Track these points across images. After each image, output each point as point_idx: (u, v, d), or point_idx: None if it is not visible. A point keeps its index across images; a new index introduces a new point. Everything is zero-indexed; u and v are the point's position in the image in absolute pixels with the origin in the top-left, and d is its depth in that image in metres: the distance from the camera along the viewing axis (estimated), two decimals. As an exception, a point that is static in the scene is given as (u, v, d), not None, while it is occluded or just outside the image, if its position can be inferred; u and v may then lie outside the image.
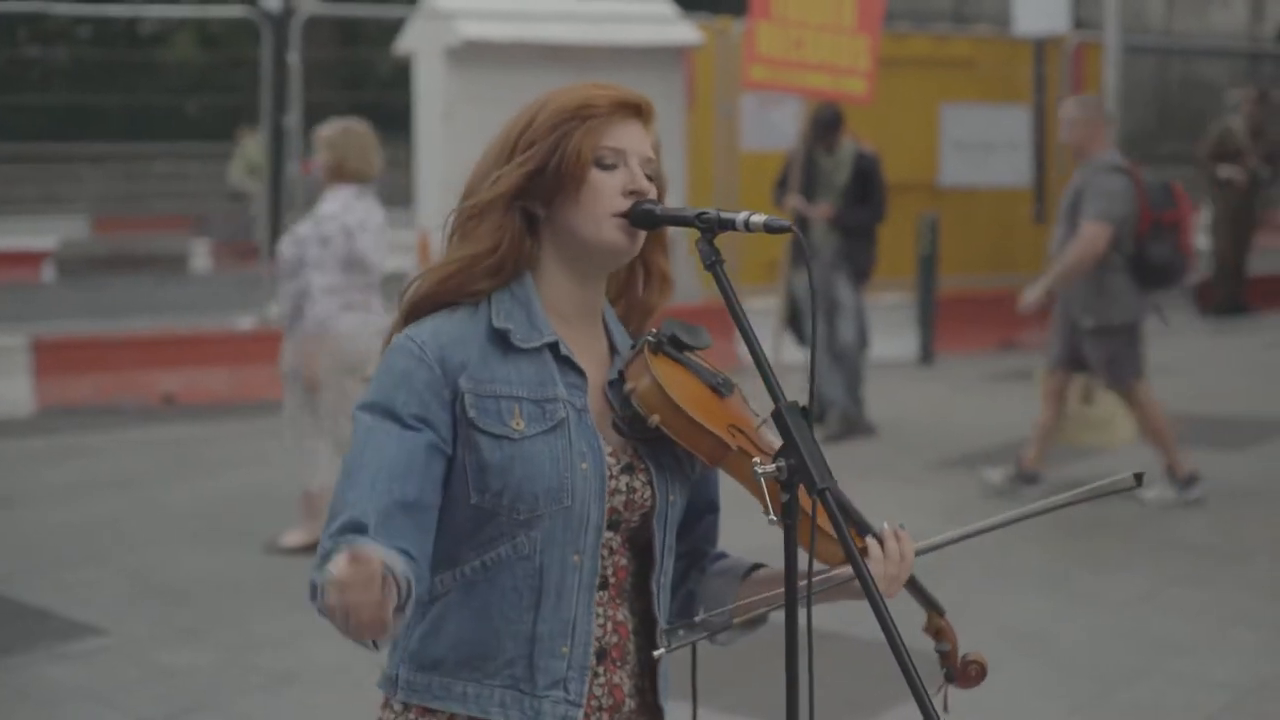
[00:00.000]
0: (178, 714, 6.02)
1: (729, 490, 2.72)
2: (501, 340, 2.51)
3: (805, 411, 2.40)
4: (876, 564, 2.54)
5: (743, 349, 9.05)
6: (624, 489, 2.53)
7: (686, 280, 8.93)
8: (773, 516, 2.39)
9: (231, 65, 32.06)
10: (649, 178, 2.56)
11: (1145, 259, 8.86)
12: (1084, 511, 8.36)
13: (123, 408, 11.89)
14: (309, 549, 7.80)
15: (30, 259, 20.75)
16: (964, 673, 2.80)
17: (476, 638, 2.49)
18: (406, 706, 2.55)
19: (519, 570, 2.48)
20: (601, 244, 2.52)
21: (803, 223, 10.60)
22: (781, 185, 11.05)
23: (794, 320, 11.23)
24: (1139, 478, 2.64)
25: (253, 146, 21.23)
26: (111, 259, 21.46)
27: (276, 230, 14.47)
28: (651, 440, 2.54)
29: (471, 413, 2.46)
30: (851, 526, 2.53)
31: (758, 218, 2.45)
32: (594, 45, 13.55)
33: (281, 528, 8.36)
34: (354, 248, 7.75)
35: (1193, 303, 17.67)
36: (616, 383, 2.57)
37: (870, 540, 2.56)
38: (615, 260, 2.57)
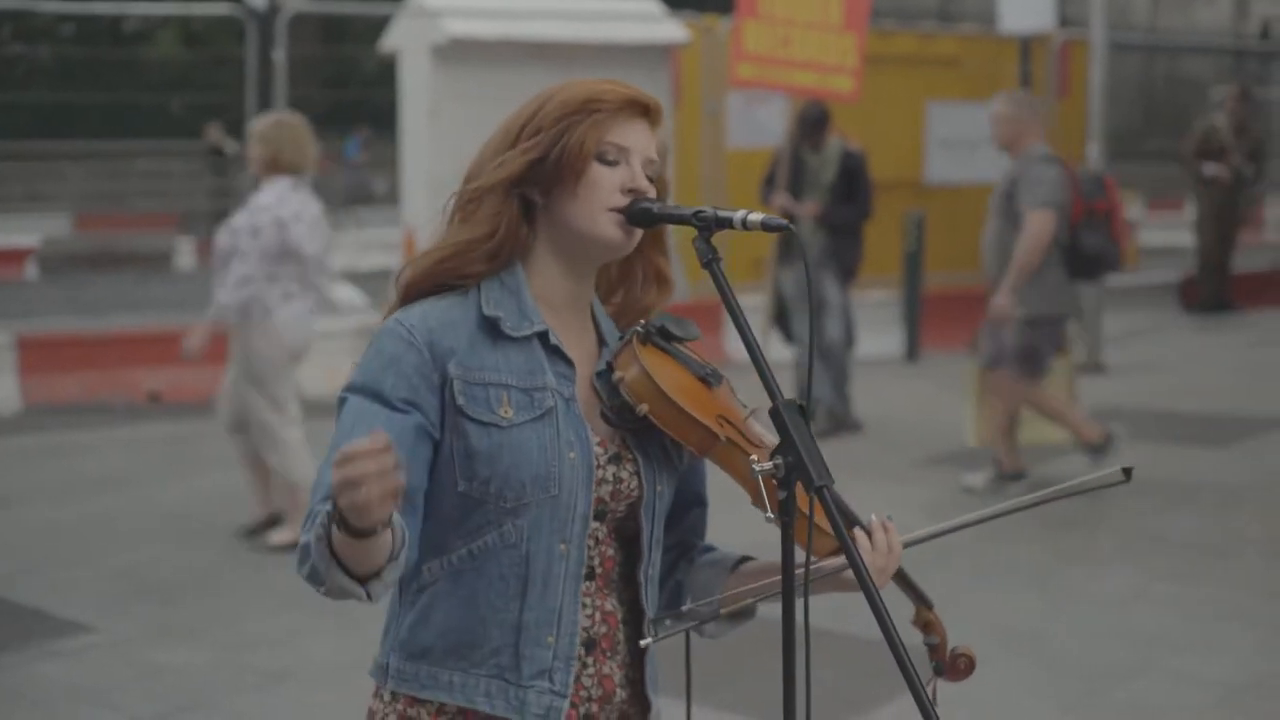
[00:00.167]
0: (172, 712, 6.02)
1: (719, 484, 2.72)
2: (491, 328, 2.52)
3: (802, 409, 2.41)
4: (864, 555, 2.54)
5: (730, 345, 9.17)
6: (611, 479, 2.54)
7: (675, 277, 8.93)
8: (770, 515, 2.39)
9: (215, 63, 32.05)
10: (651, 179, 2.56)
11: (1079, 248, 8.91)
12: (1073, 508, 8.38)
13: (109, 406, 11.87)
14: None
15: (14, 256, 20.71)
16: (953, 666, 2.81)
17: (463, 626, 2.50)
18: (395, 695, 2.56)
19: (505, 559, 2.49)
20: (595, 237, 2.52)
21: (789, 221, 10.61)
22: (768, 183, 11.05)
23: (781, 318, 11.23)
24: (1128, 472, 2.66)
25: None
26: (94, 257, 21.45)
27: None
28: (640, 431, 2.55)
29: (460, 399, 2.47)
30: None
31: (755, 216, 2.46)
32: (580, 43, 13.55)
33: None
34: (286, 239, 7.87)
35: (1178, 300, 17.73)
36: (605, 373, 2.57)
37: (858, 532, 2.57)
38: (608, 255, 2.57)
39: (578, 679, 2.53)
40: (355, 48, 31.55)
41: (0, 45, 31.42)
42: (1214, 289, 17.32)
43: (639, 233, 2.57)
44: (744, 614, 2.64)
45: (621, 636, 2.58)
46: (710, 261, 2.49)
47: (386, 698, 2.57)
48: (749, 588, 2.60)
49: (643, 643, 2.56)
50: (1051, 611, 7.16)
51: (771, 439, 2.47)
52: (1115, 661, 6.48)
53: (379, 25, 15.27)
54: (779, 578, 2.49)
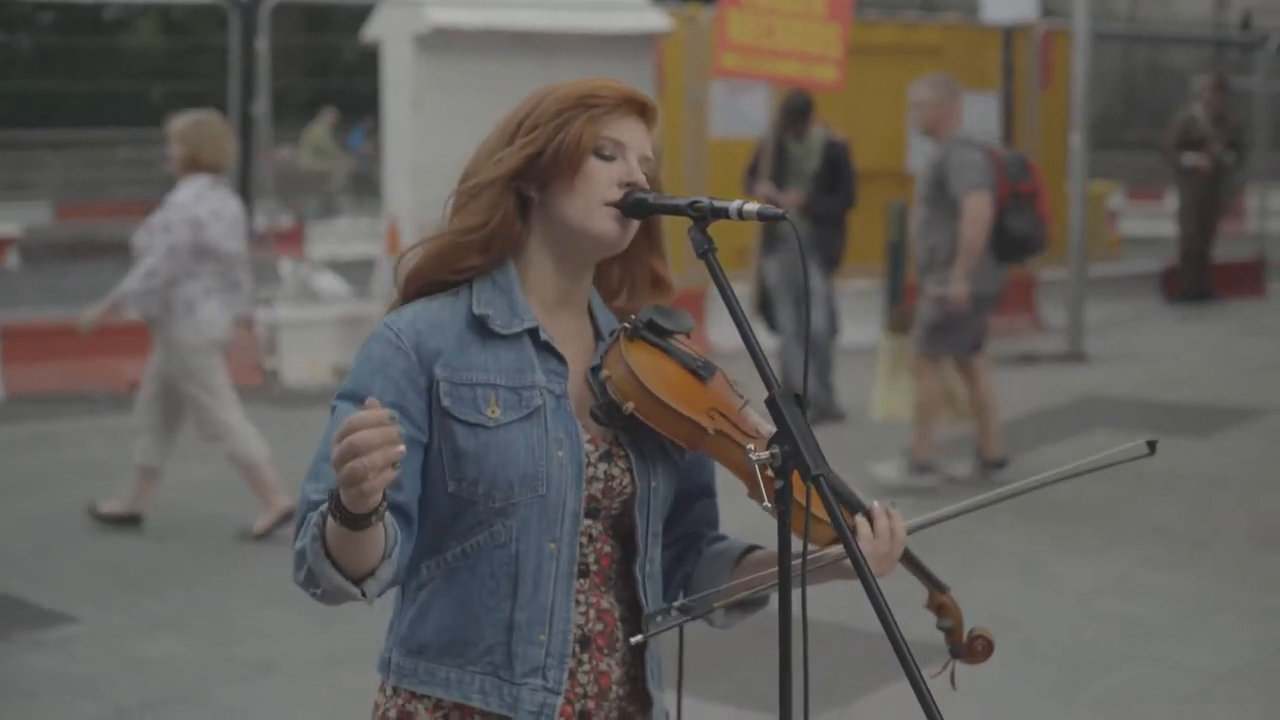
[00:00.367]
0: (158, 703, 6.01)
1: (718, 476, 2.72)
2: (480, 327, 2.52)
3: (798, 399, 2.41)
4: (866, 542, 2.53)
5: (714, 334, 9.18)
6: (602, 476, 2.54)
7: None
8: (768, 504, 2.39)
9: (195, 51, 31.95)
10: (646, 177, 2.56)
11: (1006, 231, 8.93)
12: (1056, 496, 8.39)
13: (91, 395, 11.84)
14: (284, 519, 7.92)
15: (-4, 245, 20.64)
16: (970, 648, 2.80)
17: (458, 624, 2.52)
18: (396, 690, 2.58)
19: (496, 558, 2.50)
20: (591, 231, 2.52)
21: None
22: (752, 173, 11.06)
23: (764, 307, 11.24)
24: (1152, 446, 2.65)
25: (319, 130, 21.29)
26: (75, 245, 21.36)
27: (245, 217, 14.44)
28: (633, 427, 2.54)
29: (446, 401, 2.48)
30: (842, 505, 2.53)
31: (751, 206, 2.45)
32: (563, 32, 13.52)
33: (255, 514, 8.35)
34: (201, 237, 7.93)
35: (1159, 290, 17.77)
36: (598, 369, 2.57)
37: (860, 519, 2.56)
38: (603, 250, 2.57)
39: (573, 675, 2.53)
40: (335, 37, 31.49)
41: (-21, 34, 31.32)
42: (1195, 279, 17.36)
43: (634, 227, 2.57)
44: (755, 603, 2.64)
45: (620, 633, 2.58)
46: (706, 252, 2.48)
47: (388, 691, 2.59)
48: (744, 580, 2.60)
49: (634, 639, 2.56)
50: (1036, 599, 7.18)
51: (769, 428, 2.46)
52: (1100, 649, 6.50)
53: (361, 14, 15.23)
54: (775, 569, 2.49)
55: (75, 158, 28.42)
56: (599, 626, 2.56)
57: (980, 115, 16.77)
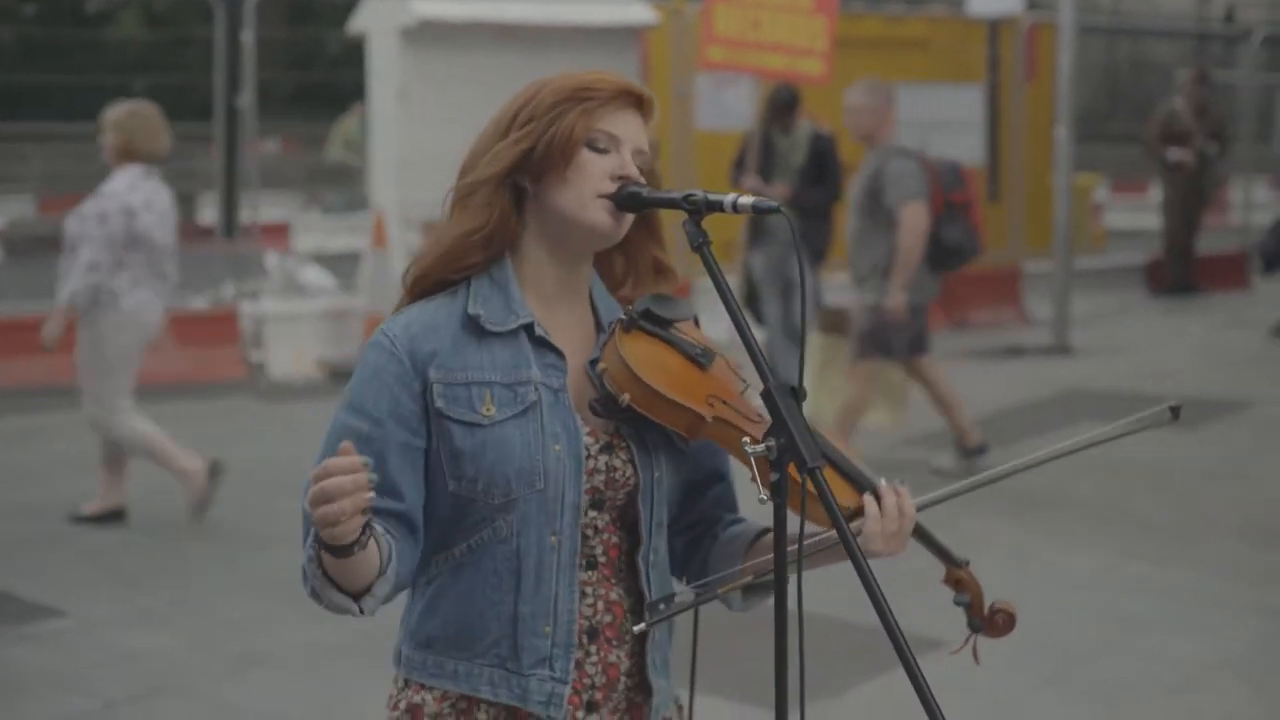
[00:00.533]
0: (146, 696, 6.01)
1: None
2: (475, 325, 2.53)
3: (794, 391, 2.41)
4: (874, 521, 2.54)
5: (706, 328, 9.10)
6: (604, 468, 2.54)
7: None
8: (763, 496, 2.39)
9: (178, 44, 31.89)
10: (641, 169, 2.56)
11: (939, 241, 8.94)
12: (1044, 488, 8.42)
13: (78, 389, 11.79)
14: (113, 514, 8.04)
15: (-21, 239, 20.59)
16: (991, 622, 2.79)
17: (464, 618, 2.53)
18: (408, 682, 2.60)
19: (498, 553, 2.51)
20: (584, 223, 2.52)
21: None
22: (738, 166, 11.06)
23: (750, 300, 11.24)
24: (1175, 411, 2.65)
25: (350, 122, 21.25)
26: (59, 239, 21.25)
27: (231, 209, 14.41)
28: (636, 418, 2.54)
29: (440, 403, 2.49)
30: (849, 482, 2.54)
31: (746, 200, 2.45)
32: (549, 25, 13.51)
33: (242, 508, 8.36)
34: (134, 226, 7.96)
35: (1144, 283, 17.80)
36: (596, 362, 2.57)
37: (868, 497, 2.56)
38: (597, 242, 2.57)
39: (580, 667, 2.54)
40: (318, 29, 31.44)
41: (-39, 27, 31.23)
42: (1180, 272, 17.40)
43: (628, 220, 2.56)
44: (767, 589, 2.63)
45: (629, 625, 2.59)
46: (701, 245, 2.48)
47: (400, 683, 2.62)
48: (753, 563, 2.58)
49: (636, 628, 2.56)
50: (1023, 589, 7.18)
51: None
52: (1088, 640, 6.52)
53: (344, 7, 15.22)
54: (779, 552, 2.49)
55: (58, 151, 28.31)
56: (607, 618, 2.57)
57: (966, 108, 16.83)
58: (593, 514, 2.55)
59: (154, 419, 10.91)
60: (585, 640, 2.55)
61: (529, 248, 2.58)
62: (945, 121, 16.65)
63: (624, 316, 2.56)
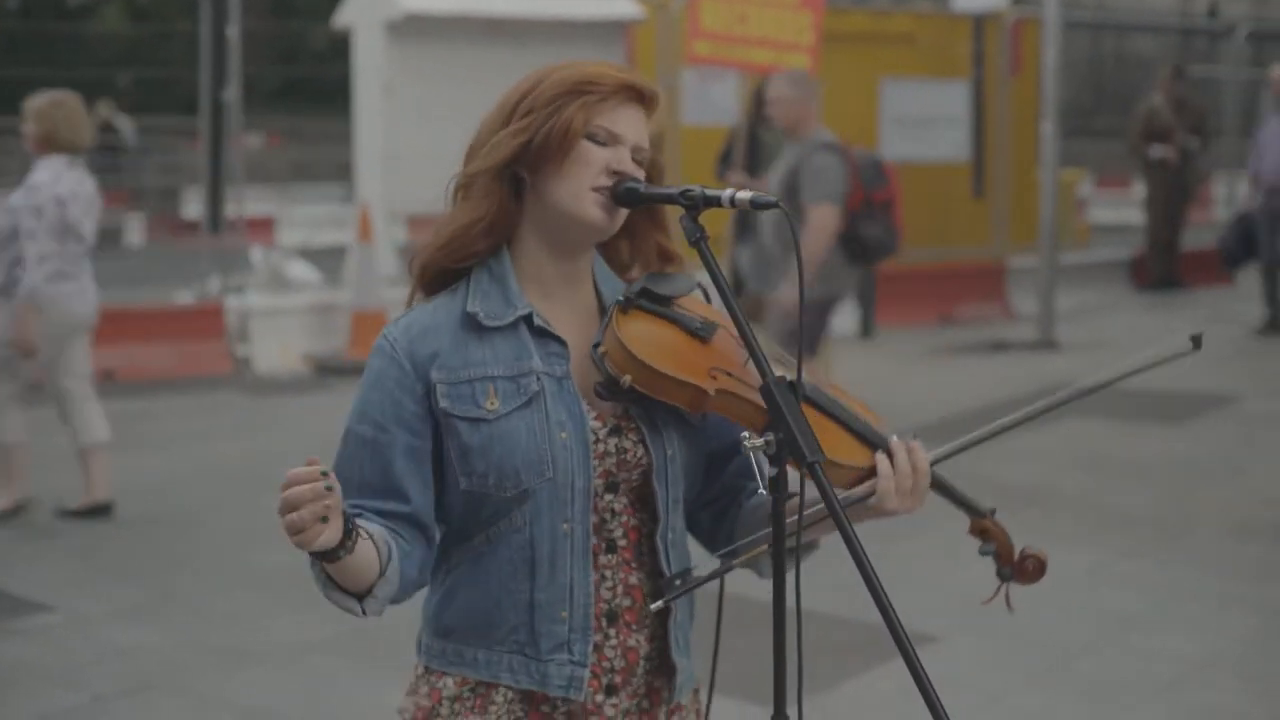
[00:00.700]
0: (135, 691, 5.99)
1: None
2: (474, 322, 2.53)
3: (793, 384, 2.40)
4: (886, 480, 2.53)
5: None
6: (614, 451, 2.54)
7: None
8: (763, 490, 2.39)
9: (161, 38, 31.84)
10: (640, 164, 2.55)
11: (858, 236, 8.91)
12: (1032, 484, 8.44)
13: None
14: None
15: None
16: (1021, 568, 2.77)
17: (482, 607, 2.54)
18: (428, 670, 2.61)
19: (514, 542, 2.52)
20: (578, 217, 2.51)
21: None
22: (724, 160, 11.06)
23: (738, 294, 11.24)
24: (1197, 340, 2.63)
25: None
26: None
27: (216, 204, 14.38)
28: (642, 398, 2.52)
29: (444, 403, 2.50)
30: (860, 440, 2.55)
31: (744, 194, 2.44)
32: (535, 19, 13.51)
33: (228, 503, 8.34)
34: (65, 216, 7.97)
35: (1128, 278, 17.83)
36: (598, 346, 2.56)
37: (879, 456, 2.55)
38: (590, 236, 2.56)
39: (599, 650, 2.55)
40: (302, 23, 31.41)
41: (-56, 20, 31.14)
42: (1164, 267, 17.43)
43: (622, 214, 2.55)
44: (803, 548, 2.57)
45: (648, 607, 2.59)
46: (698, 240, 2.47)
47: (420, 670, 2.63)
48: (753, 538, 2.56)
49: (653, 605, 2.55)
50: (1013, 588, 7.19)
51: (781, 372, 2.46)
52: (1076, 636, 6.52)
53: (329, 1, 15.19)
54: (810, 510, 2.48)
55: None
56: (626, 602, 2.57)
57: (950, 103, 16.85)
58: (609, 497, 2.55)
59: (140, 414, 10.93)
60: (604, 624, 2.55)
61: (527, 239, 2.57)
62: (931, 117, 16.67)
63: (620, 299, 2.55)
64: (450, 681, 2.57)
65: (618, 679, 2.57)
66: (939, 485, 2.65)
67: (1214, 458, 9.70)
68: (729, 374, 2.52)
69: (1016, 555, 2.76)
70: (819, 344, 9.24)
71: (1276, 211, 14.65)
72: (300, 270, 14.51)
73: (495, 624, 2.53)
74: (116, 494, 8.36)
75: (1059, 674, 6.15)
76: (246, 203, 15.42)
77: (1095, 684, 6.05)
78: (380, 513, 2.50)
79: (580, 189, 2.51)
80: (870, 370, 12.78)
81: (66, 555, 7.67)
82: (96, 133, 20.93)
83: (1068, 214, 19.33)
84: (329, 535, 2.27)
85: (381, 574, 2.44)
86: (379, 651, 6.14)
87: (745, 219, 10.83)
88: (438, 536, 2.59)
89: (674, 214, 2.56)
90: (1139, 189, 19.05)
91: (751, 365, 2.47)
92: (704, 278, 2.57)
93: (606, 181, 2.51)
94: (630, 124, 2.55)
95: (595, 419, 2.54)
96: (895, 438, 2.59)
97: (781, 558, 2.38)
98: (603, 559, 2.55)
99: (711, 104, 15.10)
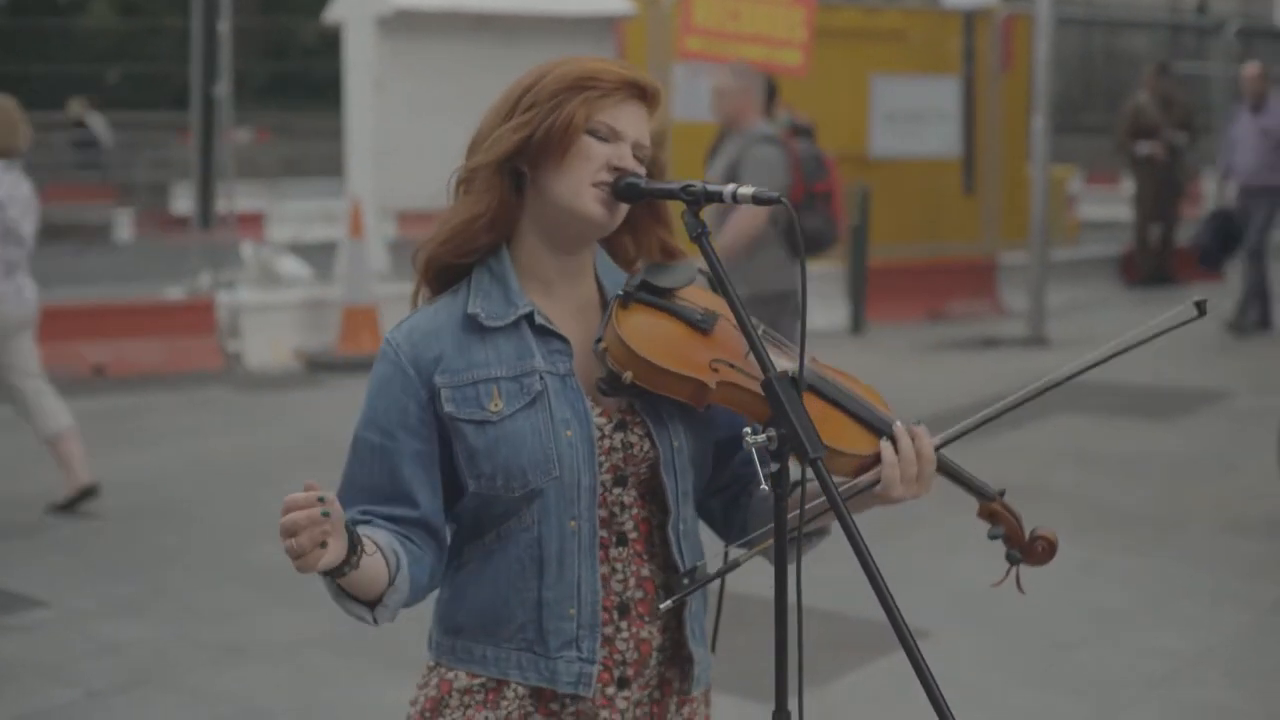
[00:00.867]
0: (128, 686, 5.99)
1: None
2: (475, 324, 2.53)
3: (795, 381, 2.40)
4: (891, 468, 2.53)
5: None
6: (620, 445, 2.54)
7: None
8: (764, 486, 2.38)
9: (151, 33, 31.79)
10: (641, 161, 2.55)
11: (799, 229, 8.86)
12: (1022, 481, 8.44)
13: (52, 379, 11.75)
14: None
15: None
16: (1031, 550, 2.74)
17: (490, 605, 2.55)
18: (439, 664, 2.62)
19: (522, 541, 2.52)
20: (578, 212, 2.51)
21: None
22: (713, 155, 11.03)
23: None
24: (1200, 305, 2.62)
25: None
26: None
27: (208, 200, 14.35)
28: (645, 391, 2.52)
29: (449, 407, 2.50)
30: (864, 427, 2.54)
31: (745, 190, 2.44)
32: (525, 15, 13.51)
33: (220, 498, 8.33)
34: (4, 219, 7.98)
35: (1119, 275, 17.85)
36: (600, 341, 2.55)
37: (884, 442, 2.54)
38: (590, 232, 2.55)
39: (611, 642, 2.55)
40: (291, 18, 31.38)
41: (-67, 16, 31.07)
42: (1153, 264, 17.45)
43: (623, 210, 2.55)
44: (816, 533, 2.61)
45: (661, 600, 2.58)
46: (699, 235, 2.47)
47: (431, 664, 2.64)
48: (763, 530, 2.55)
49: (663, 605, 2.55)
50: (1005, 584, 7.20)
51: (782, 362, 2.45)
52: (1069, 632, 6.53)
53: (320, -4, 15.17)
54: (813, 503, 2.48)
55: (31, 141, 28.23)
56: (639, 594, 2.57)
57: (941, 99, 16.85)
58: (618, 490, 2.55)
59: (131, 409, 10.93)
60: (616, 616, 2.55)
61: (527, 234, 2.57)
62: (921, 113, 16.67)
63: (619, 293, 2.55)
64: (461, 675, 2.57)
65: (630, 671, 2.57)
66: (946, 469, 2.64)
67: (1206, 454, 9.71)
68: (731, 365, 2.51)
69: (1027, 537, 2.75)
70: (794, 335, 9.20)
71: (1250, 209, 14.76)
72: (291, 265, 14.50)
73: (504, 622, 2.54)
74: (109, 489, 8.35)
75: (1051, 670, 6.16)
76: (237, 198, 15.39)
77: (1087, 680, 6.06)
78: (390, 518, 2.51)
79: (581, 184, 2.50)
80: (860, 366, 12.63)
81: (59, 551, 7.67)
82: (70, 129, 20.74)
83: (1058, 210, 19.33)
84: (330, 558, 2.28)
85: (391, 583, 2.44)
86: (372, 647, 6.14)
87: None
88: (448, 539, 2.59)
89: (676, 209, 2.56)
90: (1128, 185, 19.04)
91: (753, 356, 2.47)
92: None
93: (607, 177, 2.51)
94: (631, 120, 2.55)
95: (600, 414, 2.54)
96: (899, 423, 2.58)
97: (783, 554, 2.38)
98: (614, 552, 2.55)
99: (702, 100, 15.02)
